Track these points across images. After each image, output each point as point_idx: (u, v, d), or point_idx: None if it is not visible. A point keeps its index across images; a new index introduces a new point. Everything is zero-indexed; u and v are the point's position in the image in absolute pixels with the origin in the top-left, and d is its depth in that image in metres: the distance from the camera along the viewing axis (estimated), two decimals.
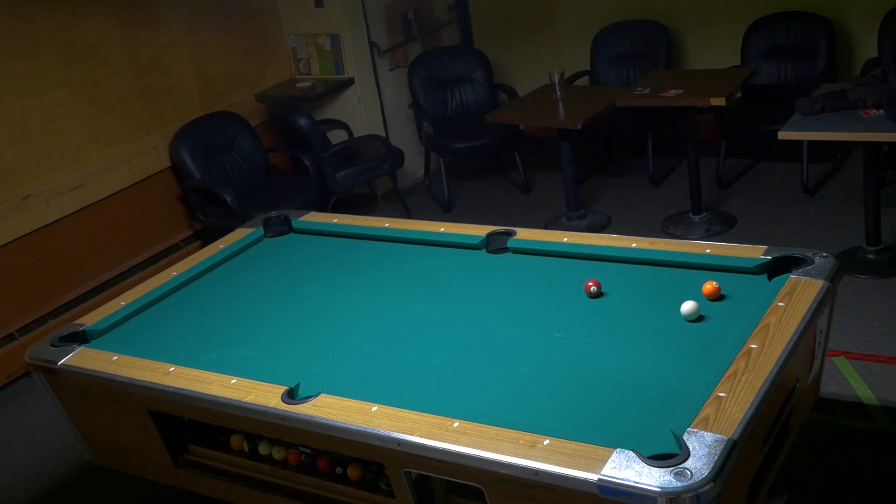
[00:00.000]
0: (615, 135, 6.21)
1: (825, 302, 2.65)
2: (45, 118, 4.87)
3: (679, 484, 1.97)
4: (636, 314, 2.80)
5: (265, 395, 2.60)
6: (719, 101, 4.83)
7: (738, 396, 2.22)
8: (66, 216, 4.96)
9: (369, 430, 2.38)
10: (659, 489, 1.97)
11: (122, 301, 3.37)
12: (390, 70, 6.35)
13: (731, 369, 2.33)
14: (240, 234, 3.81)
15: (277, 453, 2.80)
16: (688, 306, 2.68)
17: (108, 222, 5.17)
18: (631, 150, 6.37)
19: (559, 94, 5.42)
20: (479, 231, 3.43)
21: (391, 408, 2.43)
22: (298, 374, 2.70)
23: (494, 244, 3.36)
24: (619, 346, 2.65)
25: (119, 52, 5.20)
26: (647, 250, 3.09)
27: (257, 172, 5.72)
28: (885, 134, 4.07)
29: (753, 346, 2.42)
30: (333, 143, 5.94)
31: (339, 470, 2.69)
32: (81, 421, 3.20)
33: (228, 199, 5.22)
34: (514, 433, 2.23)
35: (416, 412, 2.39)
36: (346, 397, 2.52)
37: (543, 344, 2.72)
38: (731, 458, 2.04)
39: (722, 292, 2.78)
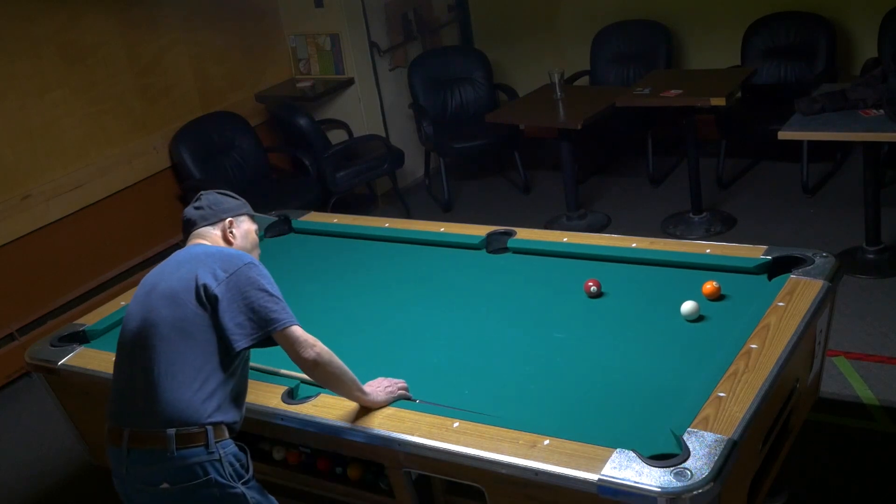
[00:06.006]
0: (615, 135, 6.20)
1: (825, 302, 2.65)
2: (45, 118, 4.87)
3: (679, 484, 1.97)
4: (636, 314, 2.80)
5: (265, 395, 2.60)
6: (719, 101, 4.83)
7: (738, 396, 2.22)
8: (66, 216, 4.96)
9: (369, 430, 2.38)
10: (659, 489, 1.97)
11: (122, 301, 3.37)
12: (390, 70, 6.34)
13: (731, 369, 2.33)
14: None
15: (277, 453, 2.80)
16: (688, 306, 2.68)
17: (108, 222, 5.16)
18: (631, 150, 6.36)
19: (559, 94, 5.42)
20: (479, 231, 3.42)
21: (391, 408, 2.43)
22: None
23: (494, 244, 3.36)
24: (619, 347, 2.65)
25: (119, 52, 5.20)
26: (647, 250, 3.09)
27: (257, 172, 5.71)
28: (885, 134, 4.07)
29: (753, 346, 2.42)
30: (333, 143, 5.94)
31: (339, 470, 2.69)
32: (81, 421, 3.20)
33: None
34: (514, 433, 2.23)
35: (416, 412, 2.39)
36: None
37: (543, 344, 2.71)
38: (731, 458, 2.04)
39: (722, 292, 2.78)
